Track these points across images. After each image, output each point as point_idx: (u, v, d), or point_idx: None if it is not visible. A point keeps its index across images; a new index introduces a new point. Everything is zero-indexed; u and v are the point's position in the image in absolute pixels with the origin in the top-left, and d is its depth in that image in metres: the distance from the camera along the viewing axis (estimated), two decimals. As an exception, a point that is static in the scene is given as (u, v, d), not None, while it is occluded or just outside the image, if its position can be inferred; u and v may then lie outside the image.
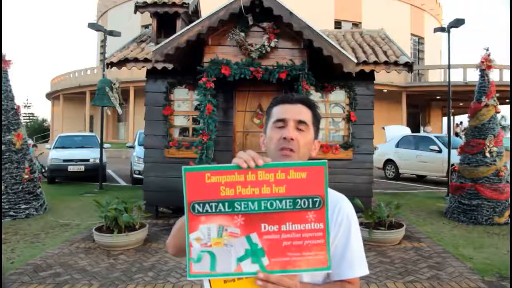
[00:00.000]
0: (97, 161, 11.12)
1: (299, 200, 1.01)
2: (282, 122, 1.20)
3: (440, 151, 11.33)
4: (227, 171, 1.01)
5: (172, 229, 1.23)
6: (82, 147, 12.46)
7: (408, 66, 6.88)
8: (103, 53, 11.62)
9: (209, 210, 1.01)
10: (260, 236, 1.01)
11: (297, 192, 1.01)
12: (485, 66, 6.99)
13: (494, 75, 12.73)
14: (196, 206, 1.01)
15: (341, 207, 1.21)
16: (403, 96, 23.34)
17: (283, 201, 1.01)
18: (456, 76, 21.10)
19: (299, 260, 1.01)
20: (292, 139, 1.17)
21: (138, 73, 9.91)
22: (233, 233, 1.01)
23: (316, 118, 1.26)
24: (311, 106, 1.26)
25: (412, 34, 28.51)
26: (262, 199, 1.01)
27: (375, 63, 6.78)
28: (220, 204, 1.01)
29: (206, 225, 1.01)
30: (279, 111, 1.23)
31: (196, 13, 8.37)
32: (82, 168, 11.25)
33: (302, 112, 1.22)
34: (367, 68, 6.80)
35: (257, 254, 1.01)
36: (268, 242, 1.01)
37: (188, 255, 1.01)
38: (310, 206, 1.02)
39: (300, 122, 1.20)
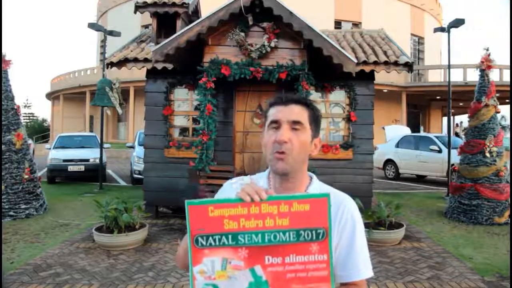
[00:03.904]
0: (97, 161, 11.12)
1: (302, 232, 1.01)
2: (276, 124, 1.18)
3: (440, 151, 11.33)
4: (230, 204, 1.01)
5: (179, 246, 1.22)
6: (82, 147, 12.45)
7: (408, 66, 6.88)
8: (103, 53, 11.62)
9: (213, 243, 1.01)
10: (264, 268, 1.01)
11: (300, 224, 1.01)
12: (485, 66, 6.99)
13: (494, 75, 12.75)
14: (200, 239, 1.01)
15: (345, 207, 1.19)
16: (403, 96, 23.35)
17: (287, 233, 1.01)
18: (456, 76, 21.14)
19: None
20: (285, 141, 1.15)
21: (138, 73, 9.90)
22: (237, 265, 1.01)
23: (314, 117, 1.23)
24: (307, 105, 1.23)
25: (412, 34, 28.51)
26: (266, 231, 1.01)
27: (375, 63, 6.79)
28: (224, 237, 1.01)
29: (210, 258, 1.01)
30: (273, 112, 1.21)
31: (196, 13, 8.38)
32: (82, 168, 11.24)
33: (295, 112, 1.19)
34: (367, 68, 6.80)
35: (261, 287, 1.00)
36: (272, 274, 1.01)
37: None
38: (314, 238, 1.02)
39: (294, 122, 1.18)
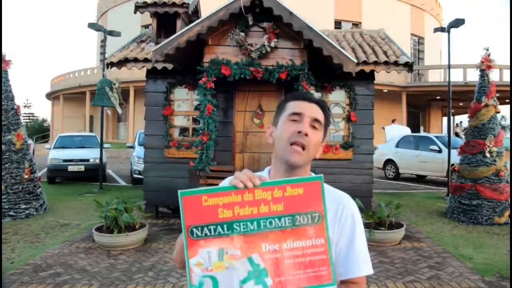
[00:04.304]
0: (97, 161, 11.12)
1: (298, 217, 1.01)
2: (298, 116, 1.19)
3: (440, 151, 11.33)
4: (224, 192, 1.00)
5: (176, 244, 1.20)
6: (82, 147, 12.45)
7: (408, 66, 6.88)
8: (103, 53, 11.61)
9: (208, 234, 0.99)
10: (262, 256, 1.00)
11: (295, 208, 1.01)
12: (485, 66, 6.98)
13: (494, 75, 12.75)
14: (195, 230, 0.99)
15: (345, 206, 1.20)
16: (403, 96, 23.34)
17: (282, 219, 1.01)
18: (456, 76, 21.10)
19: (303, 278, 1.00)
20: (306, 134, 1.17)
21: (138, 73, 9.91)
22: (234, 255, 0.99)
23: (327, 122, 1.27)
24: (325, 109, 1.26)
25: (412, 34, 28.50)
26: (261, 218, 1.00)
27: (375, 63, 6.79)
28: (219, 227, 0.99)
29: (205, 249, 0.99)
30: (296, 105, 1.22)
31: (196, 13, 8.38)
32: (82, 168, 11.24)
33: (318, 111, 1.23)
34: (367, 68, 6.80)
35: (260, 275, 0.99)
36: (270, 262, 0.99)
37: (189, 281, 0.99)
38: (310, 221, 1.01)
39: (316, 120, 1.21)
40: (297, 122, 1.19)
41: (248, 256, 1.00)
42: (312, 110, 1.21)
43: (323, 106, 1.26)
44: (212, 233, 1.00)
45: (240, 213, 1.00)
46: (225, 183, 1.28)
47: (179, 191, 1.00)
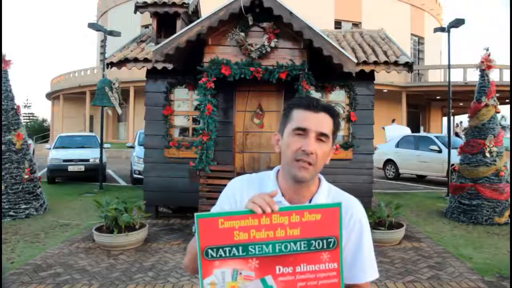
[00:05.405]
0: (97, 161, 11.12)
1: (313, 242, 1.02)
2: (302, 131, 1.14)
3: (440, 151, 11.33)
4: (240, 216, 1.01)
5: (187, 252, 1.19)
6: (82, 147, 12.45)
7: (408, 66, 6.87)
8: (103, 53, 11.61)
9: (223, 255, 1.00)
10: (275, 278, 1.01)
11: (311, 233, 1.01)
12: (485, 66, 6.99)
13: (494, 75, 12.75)
14: (210, 251, 1.00)
15: (353, 211, 1.20)
16: (403, 96, 23.35)
17: (298, 243, 1.01)
18: (456, 76, 21.13)
19: None
20: (312, 153, 1.12)
21: (138, 73, 9.90)
22: (248, 276, 1.01)
23: (336, 127, 1.20)
24: (334, 115, 1.19)
25: (412, 34, 28.52)
26: (277, 242, 1.01)
27: (375, 63, 6.78)
28: (234, 249, 1.00)
29: (220, 269, 1.01)
30: (300, 117, 1.15)
31: (196, 13, 8.37)
32: (82, 168, 11.24)
33: (324, 123, 1.16)
34: (367, 68, 6.80)
35: None
36: (283, 284, 1.01)
37: None
38: (325, 247, 1.02)
39: (322, 134, 1.14)
40: (302, 137, 1.13)
41: (261, 278, 1.01)
42: (318, 123, 1.14)
43: (332, 112, 1.18)
44: (227, 255, 1.01)
45: (256, 236, 1.01)
46: (232, 185, 1.27)
47: (195, 214, 1.01)
